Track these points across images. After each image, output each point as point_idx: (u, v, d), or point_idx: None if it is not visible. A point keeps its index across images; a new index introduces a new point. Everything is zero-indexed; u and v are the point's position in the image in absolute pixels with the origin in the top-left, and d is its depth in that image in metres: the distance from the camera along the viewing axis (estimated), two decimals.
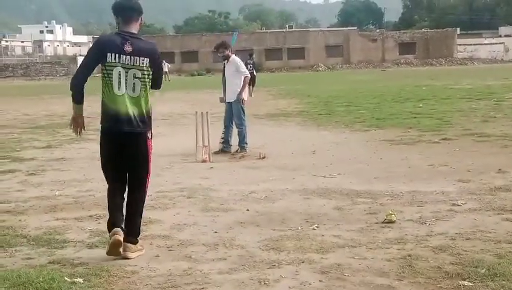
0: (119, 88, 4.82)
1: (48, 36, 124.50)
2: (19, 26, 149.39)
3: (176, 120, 15.72)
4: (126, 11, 4.94)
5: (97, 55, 4.89)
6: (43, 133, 14.68)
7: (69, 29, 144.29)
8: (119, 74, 4.81)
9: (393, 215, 5.73)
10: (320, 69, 69.31)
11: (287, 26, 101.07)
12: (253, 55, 31.45)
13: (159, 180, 8.16)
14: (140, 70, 4.84)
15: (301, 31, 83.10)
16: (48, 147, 12.20)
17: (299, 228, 5.62)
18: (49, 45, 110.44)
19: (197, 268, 4.57)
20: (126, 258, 4.78)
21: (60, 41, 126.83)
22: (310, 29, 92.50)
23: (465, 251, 4.77)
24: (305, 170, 8.80)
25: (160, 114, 19.20)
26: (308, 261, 4.64)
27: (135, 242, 4.93)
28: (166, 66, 55.34)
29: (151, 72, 4.92)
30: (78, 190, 7.67)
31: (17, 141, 13.16)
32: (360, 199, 6.74)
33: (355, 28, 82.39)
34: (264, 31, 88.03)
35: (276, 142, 12.08)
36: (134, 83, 4.84)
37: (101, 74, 4.85)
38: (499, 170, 8.13)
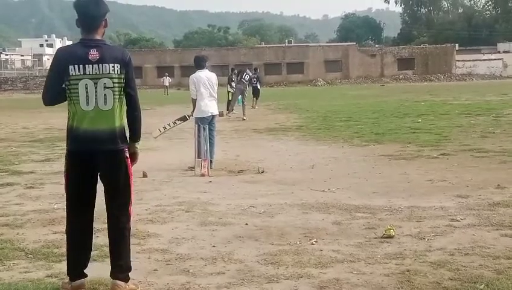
0: (87, 103, 4.20)
1: (48, 50, 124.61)
2: (18, 39, 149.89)
3: (175, 134, 15.72)
4: (87, 19, 4.29)
5: (58, 71, 4.25)
6: (42, 146, 14.67)
7: (69, 43, 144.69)
8: (86, 87, 4.19)
9: (392, 231, 5.73)
10: (319, 84, 69.40)
11: (286, 41, 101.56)
12: (258, 70, 31.96)
13: (158, 194, 8.16)
14: (111, 78, 4.23)
15: (300, 46, 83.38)
16: (46, 160, 12.19)
17: (298, 242, 5.61)
18: (48, 59, 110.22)
19: (195, 282, 4.56)
20: None
21: None
22: (309, 44, 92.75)
23: (464, 266, 4.76)
24: (304, 184, 8.80)
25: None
26: (306, 276, 4.63)
27: (127, 279, 4.42)
28: (167, 80, 55.55)
29: (123, 81, 4.30)
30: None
31: (15, 154, 13.15)
32: (358, 214, 6.73)
33: (354, 43, 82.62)
34: (264, 45, 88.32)
35: (275, 156, 12.08)
36: (105, 94, 4.22)
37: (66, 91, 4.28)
38: (498, 185, 8.13)
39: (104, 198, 4.45)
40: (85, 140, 4.24)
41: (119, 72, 4.26)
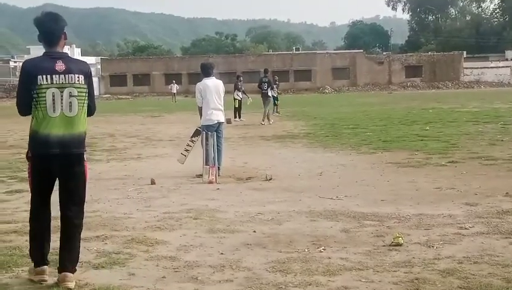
0: (54, 110, 4.58)
1: None
2: (27, 47, 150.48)
3: (183, 141, 15.69)
4: (48, 36, 4.70)
5: (28, 82, 4.59)
6: None
7: (77, 50, 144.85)
8: (53, 95, 4.57)
9: (400, 238, 5.71)
10: (327, 91, 69.42)
11: (293, 48, 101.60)
12: (276, 77, 31.64)
13: (166, 201, 8.18)
14: (76, 88, 4.64)
15: (308, 54, 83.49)
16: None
17: (306, 250, 5.61)
18: None
19: None
20: (68, 288, 4.57)
21: None
22: (317, 51, 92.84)
23: (473, 274, 4.74)
24: (312, 191, 8.79)
25: (168, 135, 19.29)
26: (315, 284, 4.62)
27: (75, 270, 4.73)
28: (175, 88, 55.64)
29: (86, 90, 4.74)
30: (85, 210, 7.65)
31: (24, 161, 13.12)
32: (367, 222, 6.72)
33: (362, 50, 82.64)
34: (271, 53, 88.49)
35: (282, 164, 12.08)
36: (70, 102, 4.62)
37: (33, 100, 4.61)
38: (506, 193, 8.10)
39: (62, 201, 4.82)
40: (51, 144, 4.59)
41: (83, 83, 4.71)
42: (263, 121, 23.50)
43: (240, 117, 25.98)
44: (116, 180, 10.32)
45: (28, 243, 5.85)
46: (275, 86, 29.34)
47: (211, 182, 9.82)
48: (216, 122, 10.78)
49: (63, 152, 4.63)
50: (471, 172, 10.19)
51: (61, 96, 4.60)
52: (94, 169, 11.70)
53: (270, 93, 24.93)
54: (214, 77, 10.97)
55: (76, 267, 4.78)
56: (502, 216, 6.78)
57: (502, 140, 14.63)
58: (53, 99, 4.58)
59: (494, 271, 4.81)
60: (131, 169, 11.61)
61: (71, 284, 4.59)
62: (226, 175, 10.51)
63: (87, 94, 4.76)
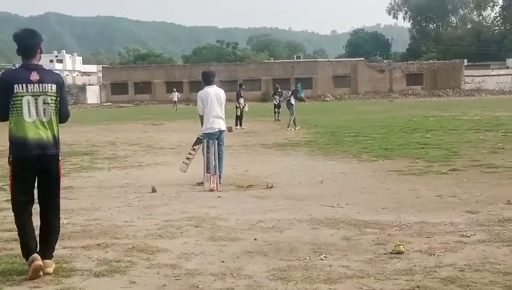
0: (29, 115, 5.11)
1: (58, 65, 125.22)
2: None
3: (184, 149, 15.71)
4: (25, 49, 5.23)
5: (6, 90, 5.10)
6: None
7: (79, 59, 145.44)
8: (29, 102, 5.09)
9: (401, 246, 5.71)
10: (328, 99, 69.51)
11: (295, 56, 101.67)
12: (278, 85, 32.72)
13: (167, 209, 8.18)
14: (49, 96, 5.16)
15: (309, 62, 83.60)
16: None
17: (307, 258, 5.60)
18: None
19: None
20: (47, 274, 5.07)
21: (70, 70, 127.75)
22: (318, 59, 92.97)
23: (474, 282, 4.73)
24: (313, 199, 8.79)
25: (169, 143, 19.29)
26: None
27: (52, 257, 5.29)
28: (175, 96, 55.67)
29: (58, 99, 5.25)
30: (86, 218, 7.68)
31: None
32: (368, 229, 6.71)
33: (363, 58, 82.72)
34: (272, 61, 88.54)
35: (283, 171, 12.08)
36: (44, 109, 5.15)
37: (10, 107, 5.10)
38: (508, 201, 8.10)
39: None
40: (28, 147, 5.09)
41: (55, 92, 5.22)
42: (288, 127, 24.45)
43: (241, 125, 26.02)
44: (117, 188, 10.33)
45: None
46: (276, 95, 30.11)
47: (212, 190, 9.82)
48: (217, 130, 10.79)
49: (40, 153, 5.12)
50: (472, 180, 10.18)
51: (36, 103, 5.12)
52: (95, 177, 11.73)
53: (292, 101, 25.71)
54: (215, 85, 10.99)
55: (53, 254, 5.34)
56: (503, 224, 6.77)
57: (503, 148, 14.63)
58: (28, 106, 5.10)
59: (496, 279, 4.80)
60: (132, 177, 11.61)
61: (50, 270, 5.13)
62: (227, 183, 10.51)
63: (58, 102, 5.26)
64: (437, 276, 4.92)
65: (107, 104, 71.84)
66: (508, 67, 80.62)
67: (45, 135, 5.15)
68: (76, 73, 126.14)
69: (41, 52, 5.32)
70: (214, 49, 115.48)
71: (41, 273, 5.02)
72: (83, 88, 78.53)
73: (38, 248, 5.22)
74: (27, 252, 5.17)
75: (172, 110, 50.19)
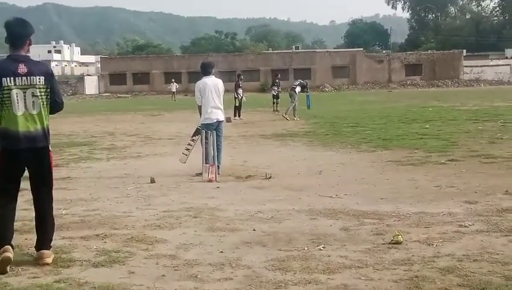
0: (18, 108, 5.07)
1: (56, 56, 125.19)
2: None
3: (183, 140, 15.71)
4: (16, 38, 5.18)
5: None
6: None
7: (77, 49, 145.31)
8: (17, 96, 5.06)
9: (400, 236, 5.71)
10: (327, 89, 69.43)
11: (293, 47, 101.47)
12: (279, 75, 33.25)
13: (165, 200, 8.18)
14: (38, 88, 5.12)
15: (308, 52, 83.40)
16: (54, 166, 12.16)
17: (306, 248, 5.61)
18: (56, 65, 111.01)
19: (203, 288, 4.56)
20: (46, 264, 5.09)
21: (68, 61, 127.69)
22: (317, 50, 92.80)
23: (473, 272, 4.74)
24: (312, 190, 8.79)
25: (167, 134, 19.29)
26: (314, 282, 4.62)
27: (50, 247, 5.29)
28: (174, 86, 55.62)
29: (48, 90, 5.21)
30: (85, 209, 7.68)
31: None
32: (366, 220, 6.72)
33: (362, 49, 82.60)
34: (271, 51, 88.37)
35: (282, 162, 12.08)
36: (33, 101, 5.11)
37: None
38: (506, 191, 8.10)
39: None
40: (18, 139, 5.09)
41: (43, 84, 5.17)
42: (285, 114, 24.57)
43: (239, 116, 26.01)
44: (116, 178, 10.32)
45: (26, 242, 5.88)
46: (275, 86, 30.18)
47: (210, 181, 9.82)
48: (215, 121, 10.78)
49: (30, 146, 5.14)
50: (470, 170, 10.19)
51: (24, 96, 5.09)
52: (94, 167, 11.73)
53: (297, 90, 25.57)
54: (213, 76, 10.97)
55: (51, 244, 5.33)
56: (501, 214, 6.78)
57: (502, 138, 14.63)
58: (17, 99, 5.07)
59: (494, 269, 4.81)
60: (131, 168, 11.61)
61: (49, 260, 5.15)
62: (225, 173, 10.51)
63: (48, 94, 5.23)
64: (435, 266, 4.93)
65: (106, 94, 71.76)
66: (506, 58, 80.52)
67: (34, 128, 5.14)
68: (75, 63, 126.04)
69: (30, 44, 5.25)
70: (212, 40, 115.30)
71: (8, 268, 4.94)
72: (81, 78, 78.44)
73: (37, 237, 5.27)
74: (2, 238, 5.09)
75: (170, 101, 50.17)
